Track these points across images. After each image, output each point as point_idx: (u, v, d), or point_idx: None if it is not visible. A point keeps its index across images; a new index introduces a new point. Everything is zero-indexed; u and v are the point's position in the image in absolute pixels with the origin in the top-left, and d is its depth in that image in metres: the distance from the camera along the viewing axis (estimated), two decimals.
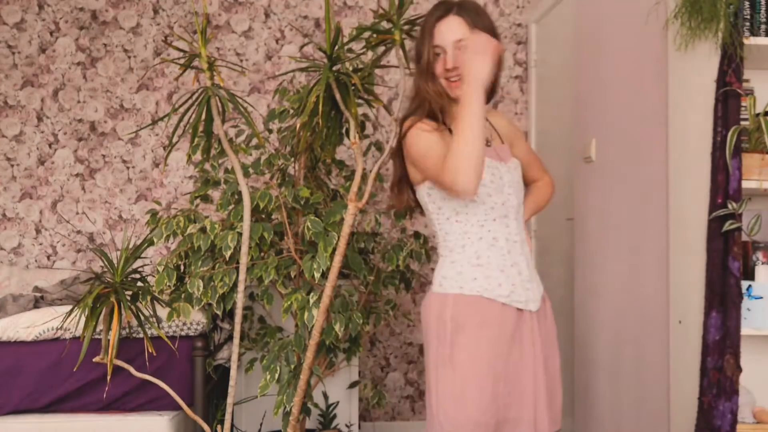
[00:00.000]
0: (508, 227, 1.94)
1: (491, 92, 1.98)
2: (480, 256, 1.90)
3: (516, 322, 1.89)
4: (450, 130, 1.94)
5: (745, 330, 2.11)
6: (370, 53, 2.45)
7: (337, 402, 3.25)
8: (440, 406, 1.84)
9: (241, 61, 3.98)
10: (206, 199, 2.91)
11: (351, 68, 2.47)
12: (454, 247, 1.92)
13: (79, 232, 3.92)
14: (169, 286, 2.65)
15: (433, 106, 1.94)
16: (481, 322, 1.85)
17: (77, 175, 3.94)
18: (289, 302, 2.51)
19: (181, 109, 2.46)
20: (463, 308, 1.86)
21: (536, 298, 1.96)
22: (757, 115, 2.19)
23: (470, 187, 1.75)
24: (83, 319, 2.50)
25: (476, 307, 1.86)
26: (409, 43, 2.15)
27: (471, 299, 1.86)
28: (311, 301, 2.50)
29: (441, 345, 1.86)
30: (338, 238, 2.41)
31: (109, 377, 2.55)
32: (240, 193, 2.66)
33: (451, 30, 1.91)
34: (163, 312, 2.86)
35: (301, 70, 2.52)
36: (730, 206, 2.07)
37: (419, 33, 2.00)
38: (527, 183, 2.15)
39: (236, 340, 2.47)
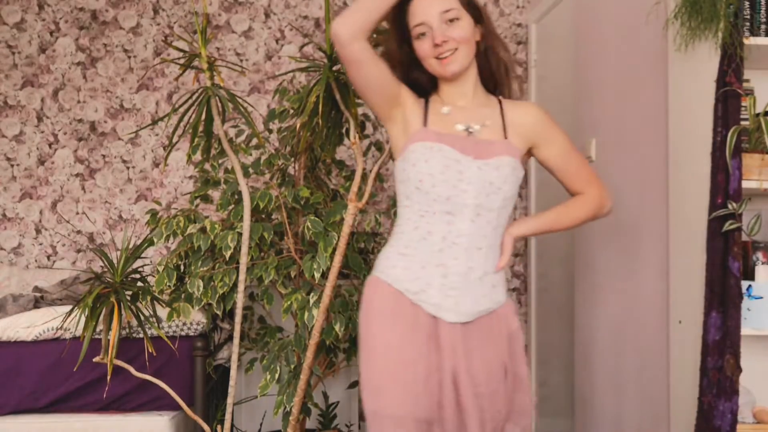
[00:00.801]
0: (451, 225, 1.71)
1: (495, 81, 1.87)
2: (408, 246, 1.74)
3: (433, 328, 1.71)
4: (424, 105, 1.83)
5: (745, 330, 2.11)
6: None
7: (337, 402, 3.25)
8: (363, 396, 1.72)
9: (241, 61, 3.98)
10: (206, 199, 2.91)
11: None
12: (395, 232, 1.80)
13: (79, 232, 3.92)
14: (169, 286, 2.65)
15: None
16: (393, 313, 1.72)
17: (77, 175, 3.94)
18: (289, 302, 2.51)
19: (181, 109, 2.46)
20: (378, 293, 1.75)
21: (463, 311, 1.70)
22: (757, 115, 2.19)
23: (338, 30, 1.65)
24: (83, 319, 2.50)
25: (389, 295, 1.73)
26: None
27: (385, 286, 1.74)
28: (311, 301, 2.50)
29: (362, 328, 1.76)
30: (338, 238, 2.41)
31: (109, 377, 2.55)
32: (240, 193, 2.66)
33: (433, 2, 1.73)
34: (163, 312, 2.86)
35: (301, 70, 2.53)
36: (730, 206, 2.07)
37: (389, 23, 1.82)
38: (571, 194, 1.94)
39: (236, 340, 2.47)
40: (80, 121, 3.95)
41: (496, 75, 1.88)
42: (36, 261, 3.91)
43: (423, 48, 1.75)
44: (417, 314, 1.70)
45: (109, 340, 2.48)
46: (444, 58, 1.73)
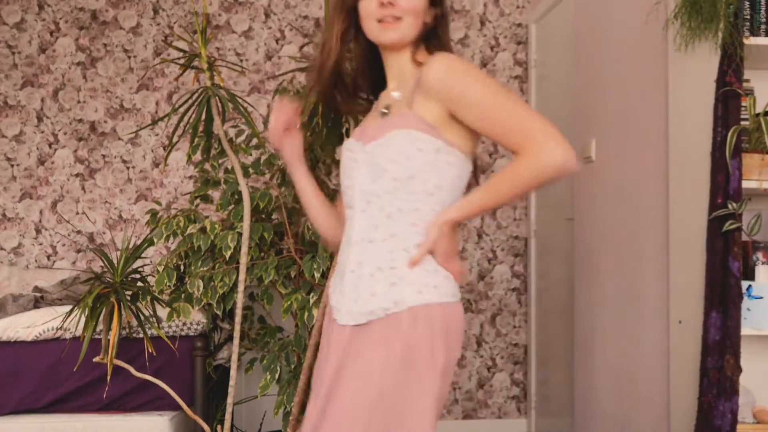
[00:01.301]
0: (352, 219, 1.55)
1: (426, 32, 1.60)
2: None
3: (329, 332, 1.57)
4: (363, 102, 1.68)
5: (745, 330, 2.11)
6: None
7: None
8: None
9: (241, 61, 3.98)
10: (206, 199, 2.91)
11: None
12: None
13: (79, 232, 3.92)
14: (169, 286, 2.65)
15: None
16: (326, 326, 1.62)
17: (77, 175, 3.94)
18: (289, 302, 2.51)
19: (181, 109, 2.46)
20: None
21: (354, 311, 1.48)
22: (757, 115, 2.19)
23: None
24: (83, 319, 2.50)
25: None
26: None
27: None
28: (311, 301, 2.50)
29: None
30: None
31: (109, 377, 2.55)
32: (240, 193, 2.66)
33: None
34: (163, 312, 2.86)
35: (301, 70, 2.53)
36: (730, 206, 2.07)
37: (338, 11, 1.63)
38: None
39: (236, 340, 2.47)
40: (80, 121, 3.95)
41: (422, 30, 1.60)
42: (36, 261, 3.91)
43: (367, 7, 1.55)
44: (329, 321, 1.59)
45: (109, 340, 2.48)
46: (386, 22, 1.53)
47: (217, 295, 2.60)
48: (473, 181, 1.58)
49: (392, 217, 1.49)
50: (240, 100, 2.49)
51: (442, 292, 1.46)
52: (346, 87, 1.69)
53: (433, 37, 1.60)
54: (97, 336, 2.78)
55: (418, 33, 1.56)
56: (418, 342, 1.42)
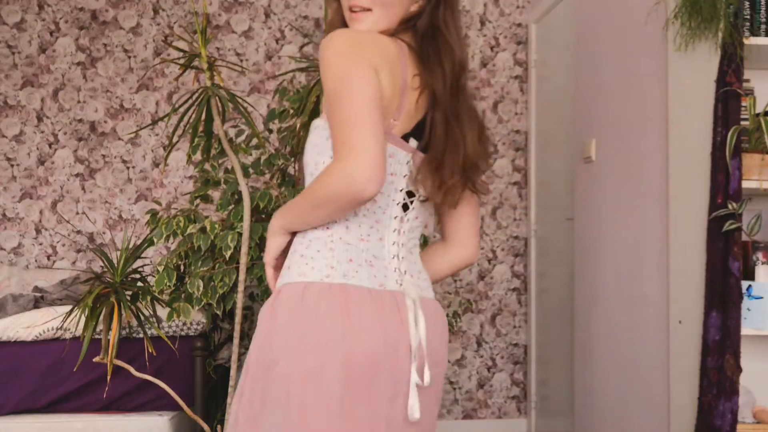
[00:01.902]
0: None
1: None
2: None
3: None
4: None
5: (745, 330, 2.11)
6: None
7: None
8: None
9: (241, 61, 3.98)
10: (206, 199, 2.91)
11: None
12: None
13: (79, 232, 3.92)
14: (169, 286, 2.65)
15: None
16: None
17: (77, 175, 3.94)
18: None
19: (181, 109, 2.46)
20: None
21: None
22: (757, 115, 2.19)
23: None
24: (83, 319, 2.49)
25: None
26: None
27: None
28: None
29: None
30: None
31: (109, 377, 2.55)
32: (240, 193, 2.66)
33: None
34: (163, 312, 2.86)
35: (301, 70, 2.53)
36: (730, 206, 2.07)
37: None
38: None
39: (236, 340, 2.47)
40: (80, 121, 3.95)
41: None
42: (36, 261, 3.91)
43: None
44: None
45: (109, 340, 2.48)
46: (354, 12, 1.44)
47: (217, 295, 2.59)
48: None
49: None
50: (240, 100, 2.49)
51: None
52: None
53: (417, 25, 1.46)
54: (97, 336, 2.78)
55: (396, 23, 1.45)
56: (267, 329, 1.37)
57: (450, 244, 1.56)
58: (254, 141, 3.01)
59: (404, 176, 1.41)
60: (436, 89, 1.41)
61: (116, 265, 2.50)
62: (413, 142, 1.41)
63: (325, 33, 1.50)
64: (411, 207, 1.44)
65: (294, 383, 1.28)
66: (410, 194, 1.44)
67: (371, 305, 1.33)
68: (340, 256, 1.35)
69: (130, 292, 2.51)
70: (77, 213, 3.94)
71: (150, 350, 2.56)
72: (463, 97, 1.46)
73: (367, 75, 1.30)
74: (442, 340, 1.47)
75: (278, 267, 1.45)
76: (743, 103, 2.18)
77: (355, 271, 1.34)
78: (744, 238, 2.16)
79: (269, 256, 1.43)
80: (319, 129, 1.40)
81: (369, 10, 1.43)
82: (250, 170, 2.84)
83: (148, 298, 2.55)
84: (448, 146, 1.41)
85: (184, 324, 2.92)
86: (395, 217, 1.42)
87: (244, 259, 2.42)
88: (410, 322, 1.35)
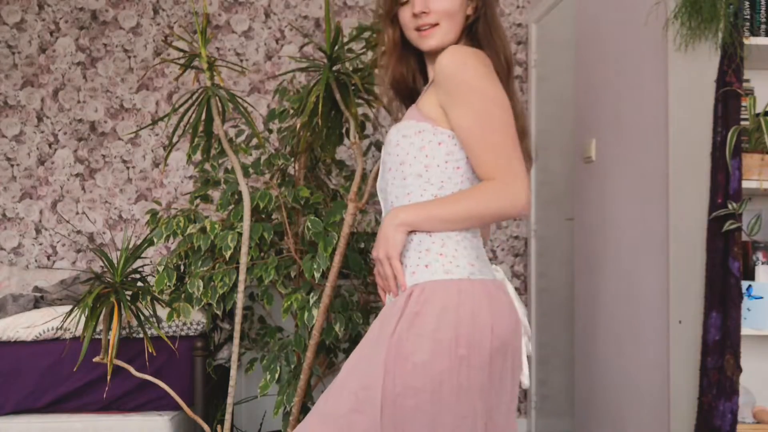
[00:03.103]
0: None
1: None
2: None
3: None
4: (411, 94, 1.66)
5: (745, 330, 2.11)
6: (370, 53, 2.45)
7: None
8: None
9: (241, 61, 3.98)
10: (206, 199, 2.91)
11: (351, 68, 2.47)
12: None
13: (79, 232, 3.92)
14: (169, 286, 2.65)
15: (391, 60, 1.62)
16: None
17: (77, 175, 3.94)
18: (289, 302, 2.51)
19: (181, 109, 2.47)
20: None
21: None
22: (757, 115, 2.19)
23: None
24: (83, 319, 2.50)
25: None
26: None
27: None
28: (311, 301, 2.50)
29: None
30: (338, 238, 2.41)
31: (109, 377, 2.55)
32: (240, 193, 2.66)
33: None
34: (163, 312, 2.86)
35: (301, 70, 2.53)
36: (730, 206, 2.07)
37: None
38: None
39: (236, 340, 2.47)
40: (80, 121, 3.95)
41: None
42: (36, 261, 3.91)
43: (404, 16, 1.57)
44: None
45: (109, 340, 2.48)
46: (423, 30, 1.54)
47: (217, 295, 2.60)
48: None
49: (394, 206, 1.54)
50: (240, 100, 2.49)
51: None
52: (409, 93, 1.69)
53: (475, 28, 1.58)
54: (97, 336, 2.78)
55: (460, 30, 1.57)
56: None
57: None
58: (254, 141, 3.01)
59: None
60: (505, 90, 1.54)
61: (116, 265, 2.50)
62: None
63: (379, 65, 1.65)
64: None
65: (466, 366, 1.40)
66: None
67: (503, 296, 1.49)
68: (471, 254, 1.48)
69: (130, 292, 2.51)
70: (77, 213, 3.94)
71: (150, 350, 2.56)
72: (515, 90, 1.62)
73: (507, 101, 1.48)
74: None
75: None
76: (743, 103, 2.18)
77: (483, 266, 1.50)
78: (744, 238, 2.16)
79: (396, 251, 1.47)
80: (426, 132, 1.49)
81: (436, 24, 1.53)
82: (250, 170, 2.84)
83: (148, 298, 2.55)
84: (521, 140, 1.53)
85: (184, 324, 2.92)
86: None
87: (244, 259, 2.42)
88: (516, 304, 1.53)
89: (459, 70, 1.43)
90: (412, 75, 1.67)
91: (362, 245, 2.91)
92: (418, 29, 1.54)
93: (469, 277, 1.44)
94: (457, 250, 1.46)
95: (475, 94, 1.44)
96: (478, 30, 1.57)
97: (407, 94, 1.69)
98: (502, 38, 1.58)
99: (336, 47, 2.38)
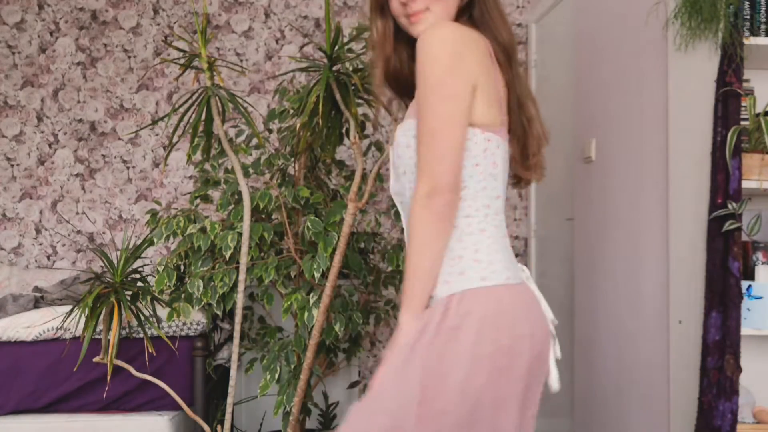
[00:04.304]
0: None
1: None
2: None
3: None
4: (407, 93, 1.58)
5: (745, 330, 2.11)
6: (370, 53, 2.45)
7: (337, 402, 3.25)
8: None
9: (241, 61, 3.98)
10: (206, 199, 2.91)
11: (351, 68, 2.48)
12: None
13: (79, 232, 3.92)
14: (169, 286, 2.65)
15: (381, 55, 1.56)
16: None
17: (77, 175, 3.94)
18: (289, 302, 2.51)
19: (181, 109, 2.47)
20: None
21: None
22: (757, 115, 2.19)
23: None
24: (83, 319, 2.50)
25: None
26: None
27: None
28: (311, 301, 2.50)
29: None
30: (338, 238, 2.41)
31: (109, 377, 2.55)
32: (240, 193, 2.66)
33: None
34: (163, 312, 2.86)
35: (301, 70, 2.53)
36: (730, 206, 2.07)
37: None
38: None
39: (236, 340, 2.47)
40: (80, 121, 3.95)
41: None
42: (36, 261, 3.91)
43: (393, 8, 1.50)
44: None
45: (109, 340, 2.48)
46: (413, 16, 1.47)
47: (217, 295, 2.60)
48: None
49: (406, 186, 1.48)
50: (240, 100, 2.49)
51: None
52: (409, 88, 1.59)
53: (471, 10, 1.52)
54: (97, 336, 2.78)
55: (453, 12, 1.49)
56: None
57: None
58: (254, 141, 3.01)
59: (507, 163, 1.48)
60: (504, 75, 1.51)
61: (116, 265, 2.50)
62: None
63: (371, 59, 1.58)
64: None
65: (506, 379, 1.36)
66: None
67: (536, 301, 1.45)
68: (505, 257, 1.42)
69: (130, 292, 2.51)
70: (77, 213, 3.94)
71: (150, 350, 2.56)
72: (518, 74, 1.55)
73: (462, 96, 1.37)
74: None
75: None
76: (743, 103, 2.18)
77: (515, 268, 1.44)
78: (744, 238, 2.16)
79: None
80: (411, 130, 1.42)
81: (427, 9, 1.46)
82: (250, 170, 2.84)
83: (148, 298, 2.55)
84: (529, 126, 1.51)
85: (184, 324, 2.92)
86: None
87: (244, 259, 2.42)
88: (544, 306, 1.48)
89: (424, 54, 1.36)
90: (408, 67, 1.59)
91: (362, 245, 2.91)
92: (408, 15, 1.48)
93: (506, 283, 1.38)
94: (490, 255, 1.39)
95: (430, 84, 1.35)
96: (474, 12, 1.51)
97: (406, 90, 1.62)
98: (501, 20, 1.51)
99: (336, 47, 2.38)
